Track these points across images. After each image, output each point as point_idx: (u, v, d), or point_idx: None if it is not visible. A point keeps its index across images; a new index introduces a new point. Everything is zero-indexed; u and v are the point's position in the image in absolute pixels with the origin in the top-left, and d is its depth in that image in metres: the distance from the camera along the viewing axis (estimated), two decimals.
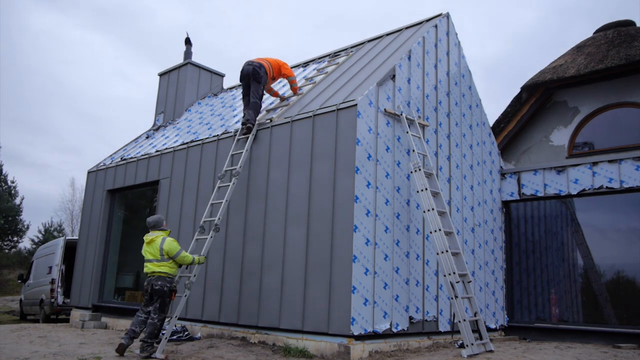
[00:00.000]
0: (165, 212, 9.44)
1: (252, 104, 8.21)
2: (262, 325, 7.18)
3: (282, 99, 9.09)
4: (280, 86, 10.14)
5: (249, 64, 8.39)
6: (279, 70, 8.75)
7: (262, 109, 8.83)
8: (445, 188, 8.35)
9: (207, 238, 7.45)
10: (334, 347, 6.29)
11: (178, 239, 9.02)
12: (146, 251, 6.79)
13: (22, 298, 16.41)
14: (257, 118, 8.31)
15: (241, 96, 8.86)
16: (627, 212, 8.98)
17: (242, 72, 8.43)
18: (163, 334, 6.80)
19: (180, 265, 6.93)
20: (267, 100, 9.61)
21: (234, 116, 9.80)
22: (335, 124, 6.98)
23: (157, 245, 6.71)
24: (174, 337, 7.62)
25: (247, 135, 8.12)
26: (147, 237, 6.86)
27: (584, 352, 7.11)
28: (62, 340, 7.88)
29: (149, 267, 6.72)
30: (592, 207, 9.41)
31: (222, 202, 7.62)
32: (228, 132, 8.73)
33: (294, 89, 8.83)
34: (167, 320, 7.14)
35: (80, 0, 66.11)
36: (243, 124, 8.17)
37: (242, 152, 7.95)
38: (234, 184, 7.70)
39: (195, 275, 7.24)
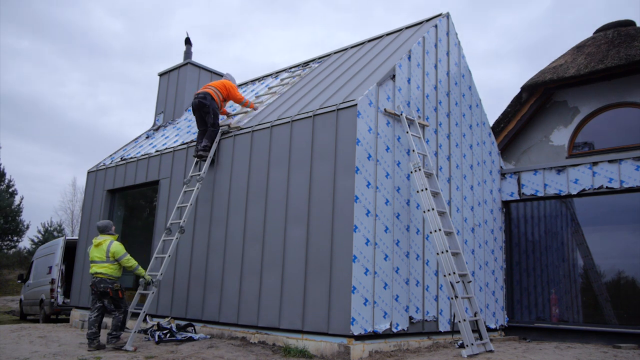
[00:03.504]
0: (165, 212, 9.44)
1: (208, 132, 8.56)
2: (262, 325, 7.18)
3: (229, 116, 9.47)
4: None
5: (195, 97, 8.73)
6: (227, 92, 8.98)
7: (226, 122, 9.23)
8: (445, 188, 8.35)
9: (172, 239, 8.02)
10: (334, 347, 6.29)
11: None
12: (93, 253, 7.35)
13: (22, 298, 16.40)
14: (216, 140, 8.68)
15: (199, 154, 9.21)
16: (627, 212, 8.98)
17: (192, 106, 8.88)
18: (127, 329, 7.47)
19: (124, 269, 7.48)
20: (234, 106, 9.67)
21: (234, 116, 9.80)
22: (335, 124, 6.98)
23: (104, 248, 7.29)
24: (177, 337, 7.60)
25: (203, 160, 8.61)
26: (95, 240, 7.44)
27: (584, 352, 7.11)
28: (62, 340, 7.88)
29: (93, 268, 7.29)
30: (592, 207, 9.41)
31: (186, 206, 8.23)
32: (229, 133, 8.73)
33: (251, 106, 9.20)
34: (128, 314, 7.50)
35: None
36: (196, 151, 8.57)
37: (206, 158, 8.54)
38: (198, 188, 8.28)
39: (162, 274, 7.81)
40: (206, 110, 8.56)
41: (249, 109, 9.41)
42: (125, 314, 7.28)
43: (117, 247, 7.31)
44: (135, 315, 7.93)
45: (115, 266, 7.29)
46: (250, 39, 75.37)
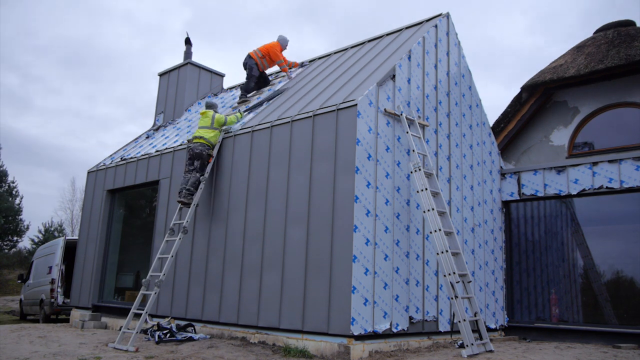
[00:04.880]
0: (165, 212, 9.44)
1: (244, 84, 10.70)
2: (262, 325, 7.18)
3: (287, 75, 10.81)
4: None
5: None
6: (268, 52, 10.69)
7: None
8: (445, 188, 8.35)
9: (175, 240, 8.09)
10: (334, 347, 6.29)
11: None
12: (200, 122, 8.69)
13: (22, 298, 16.40)
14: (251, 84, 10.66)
15: (239, 96, 10.73)
16: (627, 212, 8.98)
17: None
18: (128, 329, 7.50)
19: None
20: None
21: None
22: (335, 124, 6.98)
23: (210, 116, 8.63)
24: (177, 337, 7.60)
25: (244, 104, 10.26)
26: (202, 111, 8.92)
27: (584, 352, 7.11)
28: (62, 340, 7.88)
29: (198, 132, 8.52)
30: (592, 207, 9.41)
31: (190, 206, 8.31)
32: (229, 132, 8.73)
33: (284, 70, 10.69)
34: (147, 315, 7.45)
35: None
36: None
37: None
38: (201, 188, 8.37)
39: (164, 274, 7.80)
40: (245, 68, 10.69)
41: (283, 74, 11.12)
42: (204, 177, 8.34)
43: (220, 117, 8.60)
44: (137, 315, 7.93)
45: (215, 133, 8.54)
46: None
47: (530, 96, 12.20)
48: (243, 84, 10.79)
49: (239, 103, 10.57)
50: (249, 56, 10.72)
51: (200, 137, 8.42)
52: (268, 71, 11.28)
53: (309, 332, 6.59)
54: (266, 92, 10.35)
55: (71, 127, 59.34)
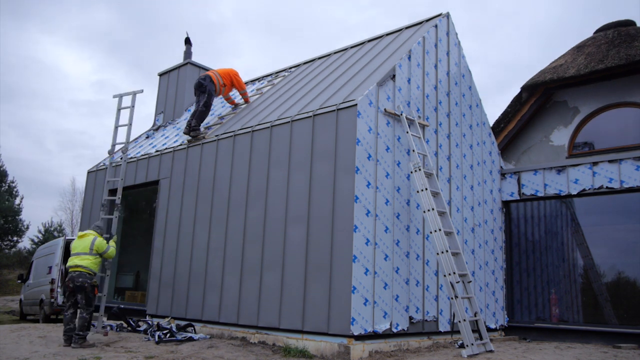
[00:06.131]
0: (165, 212, 9.44)
1: (199, 112, 9.30)
2: (262, 325, 7.18)
3: (235, 105, 10.19)
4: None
5: (198, 78, 9.67)
6: (231, 80, 9.91)
7: (211, 115, 10.15)
8: (445, 188, 8.35)
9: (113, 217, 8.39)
10: (334, 347, 6.29)
11: (178, 238, 9.02)
12: (77, 245, 7.49)
13: (22, 298, 16.38)
14: (206, 123, 9.77)
15: (239, 96, 10.38)
16: (627, 212, 8.98)
17: (194, 86, 9.76)
18: (93, 326, 7.79)
19: (102, 263, 7.84)
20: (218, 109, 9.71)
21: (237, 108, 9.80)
22: (335, 124, 6.98)
23: (89, 241, 7.46)
24: (177, 337, 7.60)
25: (196, 139, 9.21)
26: (80, 233, 7.71)
27: (584, 352, 7.11)
28: (62, 340, 7.87)
29: (73, 260, 7.33)
30: (592, 207, 9.41)
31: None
32: (228, 133, 8.73)
33: (246, 99, 10.03)
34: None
35: None
36: (187, 128, 9.24)
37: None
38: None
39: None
40: (202, 90, 9.35)
41: (242, 103, 10.13)
42: (91, 314, 7.26)
43: (101, 243, 7.49)
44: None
45: (96, 260, 7.41)
46: None
47: (530, 96, 12.20)
48: (196, 112, 9.31)
49: (192, 136, 9.18)
50: (209, 79, 9.40)
51: (78, 266, 7.23)
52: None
53: (309, 332, 6.59)
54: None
55: None
